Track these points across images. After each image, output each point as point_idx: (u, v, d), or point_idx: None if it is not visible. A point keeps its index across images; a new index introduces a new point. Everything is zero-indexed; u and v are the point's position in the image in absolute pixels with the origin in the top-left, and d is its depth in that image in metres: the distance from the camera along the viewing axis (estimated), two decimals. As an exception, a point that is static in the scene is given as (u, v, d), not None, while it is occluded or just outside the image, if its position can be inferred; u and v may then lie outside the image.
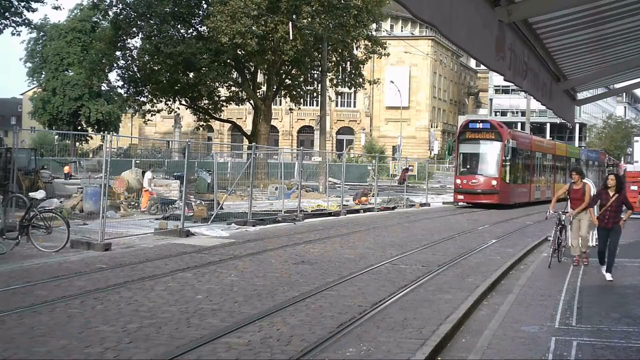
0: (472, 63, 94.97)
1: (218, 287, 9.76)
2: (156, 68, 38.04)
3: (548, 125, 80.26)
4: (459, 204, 31.31)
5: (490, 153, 30.10)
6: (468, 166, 30.94)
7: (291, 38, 32.58)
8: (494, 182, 29.60)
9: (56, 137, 64.19)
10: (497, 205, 29.55)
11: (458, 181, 30.76)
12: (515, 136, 32.17)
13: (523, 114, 61.32)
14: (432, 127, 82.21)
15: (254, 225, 18.76)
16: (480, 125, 31.03)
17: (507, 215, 26.44)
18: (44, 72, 68.95)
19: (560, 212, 12.85)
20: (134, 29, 38.64)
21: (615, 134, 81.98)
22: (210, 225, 17.93)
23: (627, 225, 12.54)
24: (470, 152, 30.86)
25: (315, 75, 41.61)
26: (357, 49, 40.23)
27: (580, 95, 12.52)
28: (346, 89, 44.79)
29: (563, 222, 12.94)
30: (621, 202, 11.23)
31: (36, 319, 7.64)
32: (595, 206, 12.03)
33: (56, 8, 56.76)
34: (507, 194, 30.34)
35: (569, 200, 12.99)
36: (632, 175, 23.58)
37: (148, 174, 23.06)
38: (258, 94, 41.24)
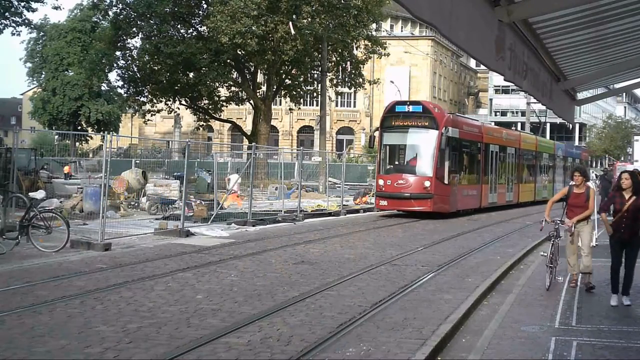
0: (472, 63, 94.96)
1: (218, 287, 9.76)
2: (156, 68, 38.05)
3: (548, 125, 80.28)
4: (383, 211, 24.62)
5: (422, 145, 23.23)
6: (394, 162, 24.28)
7: (293, 33, 32.58)
8: (427, 184, 22.55)
9: (56, 137, 64.15)
10: (434, 214, 22.87)
11: (381, 182, 23.53)
12: (457, 122, 24.87)
13: (523, 114, 61.29)
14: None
15: (254, 225, 18.76)
16: (409, 108, 23.66)
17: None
18: (44, 72, 68.89)
19: (559, 221, 10.60)
20: (134, 29, 38.65)
21: (615, 134, 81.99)
22: (210, 225, 17.93)
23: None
24: (396, 143, 24.18)
25: (315, 75, 41.61)
26: (357, 49, 40.23)
27: (580, 95, 12.53)
28: (346, 89, 44.80)
29: (560, 235, 10.79)
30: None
31: (36, 319, 7.64)
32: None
33: (56, 8, 56.78)
34: (446, 198, 23.34)
35: (565, 207, 10.60)
36: None
37: (235, 176, 24.05)
38: (258, 94, 41.25)
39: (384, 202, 23.56)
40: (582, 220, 10.25)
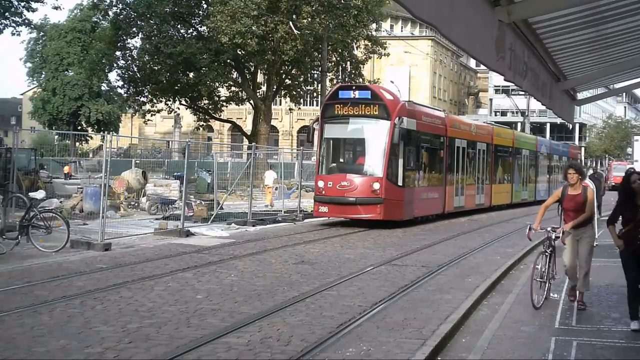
0: (472, 63, 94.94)
1: (218, 287, 9.76)
2: (156, 68, 38.04)
3: (548, 125, 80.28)
4: (325, 219, 20.55)
5: (371, 138, 19.39)
6: (337, 160, 20.43)
7: (296, 33, 32.57)
8: (376, 186, 18.66)
9: (56, 137, 64.07)
10: (385, 222, 19.01)
11: (320, 183, 19.34)
12: (414, 112, 20.84)
13: (523, 114, 61.34)
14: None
15: (254, 225, 18.76)
16: (355, 94, 19.49)
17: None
18: (44, 72, 68.88)
19: (550, 230, 9.09)
20: (134, 29, 38.64)
21: (615, 134, 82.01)
22: (210, 225, 17.94)
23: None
24: (339, 137, 20.29)
25: (315, 75, 41.60)
26: (357, 49, 40.23)
27: (580, 95, 12.54)
28: (346, 89, 44.68)
29: (554, 245, 9.31)
30: None
31: (36, 319, 7.64)
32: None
33: (56, 8, 56.77)
34: (399, 203, 19.42)
35: (561, 212, 9.31)
36: None
37: (273, 173, 24.57)
38: (258, 94, 41.25)
39: (323, 209, 19.31)
40: (581, 225, 8.79)
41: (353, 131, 19.91)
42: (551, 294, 9.30)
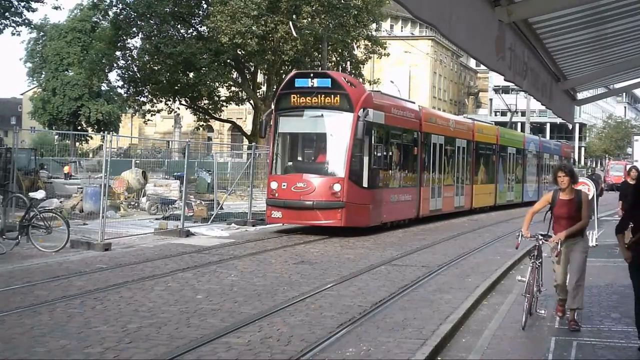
0: (472, 63, 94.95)
1: (218, 287, 9.76)
2: (156, 68, 38.05)
3: (548, 125, 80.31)
4: (279, 225, 17.98)
5: (331, 133, 17.09)
6: (292, 158, 18.14)
7: (294, 35, 32.57)
8: (337, 187, 16.35)
9: (56, 137, 64.07)
10: (348, 230, 16.67)
11: (273, 185, 17.03)
12: (382, 104, 18.46)
13: (523, 114, 61.31)
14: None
15: (254, 225, 18.75)
16: (313, 82, 17.10)
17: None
18: (44, 72, 68.88)
19: (540, 237, 8.02)
20: (134, 29, 38.66)
21: (616, 134, 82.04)
22: (210, 225, 17.94)
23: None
24: (295, 131, 17.93)
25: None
26: (357, 49, 40.23)
27: (580, 95, 12.54)
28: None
29: (545, 254, 8.43)
30: None
31: (36, 319, 7.64)
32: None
33: (56, 8, 56.84)
34: (365, 207, 17.14)
35: (550, 219, 8.17)
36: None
37: None
38: (258, 94, 41.25)
39: (277, 214, 16.91)
40: (574, 235, 7.74)
41: (311, 125, 17.55)
42: (538, 310, 8.27)
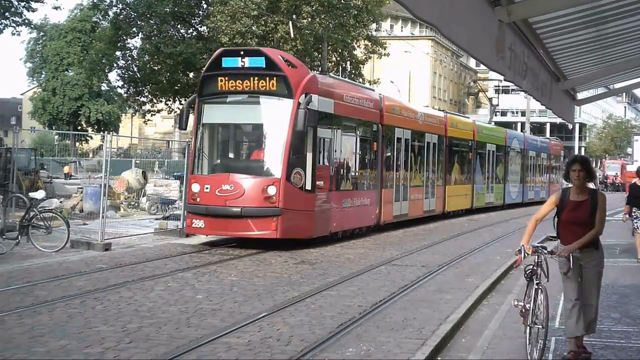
0: (472, 63, 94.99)
1: (218, 287, 9.76)
2: (156, 68, 38.02)
3: (548, 125, 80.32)
4: (201, 236, 15.22)
5: (265, 124, 14.55)
6: (218, 154, 15.28)
7: (292, 37, 32.58)
8: (272, 190, 13.60)
9: (56, 137, 64.09)
10: (287, 241, 14.01)
11: (195, 187, 14.22)
12: (330, 90, 15.55)
13: (523, 114, 61.33)
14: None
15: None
16: (244, 62, 14.21)
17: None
18: (44, 72, 68.93)
19: (543, 249, 6.43)
20: (134, 29, 38.62)
21: (616, 134, 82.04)
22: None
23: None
24: (221, 122, 15.21)
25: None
26: (357, 48, 40.25)
27: (580, 95, 12.53)
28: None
29: (547, 274, 6.47)
30: None
31: (36, 319, 7.64)
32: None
33: (56, 8, 56.85)
34: (307, 215, 14.37)
35: (556, 224, 6.51)
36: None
37: None
38: (258, 94, 41.21)
39: (198, 223, 14.04)
40: (587, 246, 6.26)
41: (241, 114, 15.00)
42: (540, 341, 6.37)
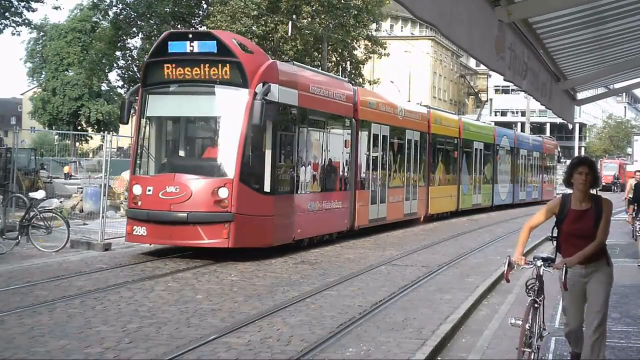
0: (472, 63, 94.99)
1: (218, 287, 9.76)
2: (156, 68, 38.07)
3: (548, 125, 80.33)
4: (141, 245, 13.45)
5: (216, 117, 13.17)
6: (164, 152, 13.66)
7: (290, 34, 32.58)
8: (223, 193, 12.02)
9: (56, 137, 64.14)
10: (239, 250, 12.40)
11: (137, 189, 12.57)
12: (293, 80, 13.87)
13: (523, 114, 61.33)
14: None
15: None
16: (193, 46, 12.49)
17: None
18: (44, 72, 69.01)
19: (540, 263, 5.64)
20: (134, 29, 38.69)
21: (616, 134, 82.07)
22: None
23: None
24: (167, 115, 13.66)
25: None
26: (357, 48, 40.25)
27: (580, 95, 12.52)
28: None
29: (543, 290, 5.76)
30: None
31: (36, 319, 7.64)
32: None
33: (56, 8, 56.86)
34: (265, 221, 12.78)
35: (556, 234, 5.74)
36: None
37: None
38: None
39: (140, 230, 12.38)
40: (593, 260, 5.49)
41: (189, 105, 13.31)
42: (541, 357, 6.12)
